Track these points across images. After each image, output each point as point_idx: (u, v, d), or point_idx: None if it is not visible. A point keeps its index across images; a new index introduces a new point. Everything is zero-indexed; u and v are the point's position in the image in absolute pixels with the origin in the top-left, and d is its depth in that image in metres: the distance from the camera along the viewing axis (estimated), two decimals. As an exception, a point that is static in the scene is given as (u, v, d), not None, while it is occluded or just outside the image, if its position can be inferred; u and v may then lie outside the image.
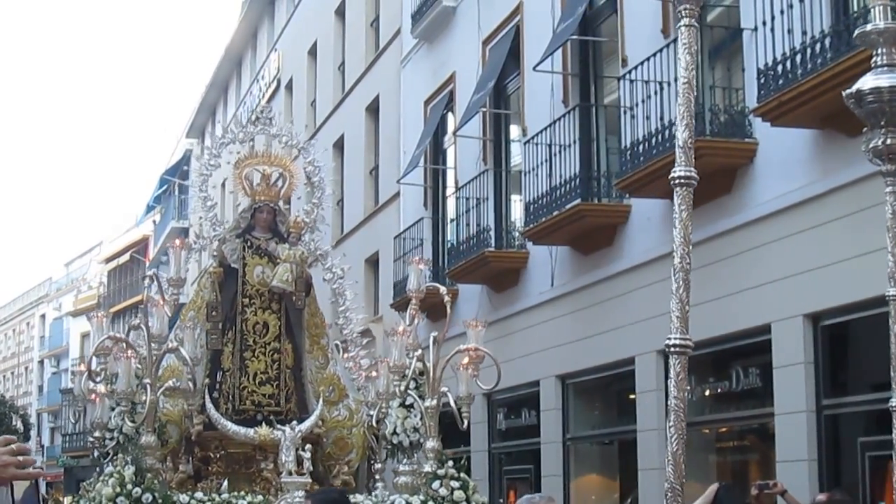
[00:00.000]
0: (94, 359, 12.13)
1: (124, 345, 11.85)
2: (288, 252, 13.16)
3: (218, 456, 12.78)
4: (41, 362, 74.72)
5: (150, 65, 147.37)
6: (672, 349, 4.97)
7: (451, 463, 11.75)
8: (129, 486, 11.20)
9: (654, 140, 13.28)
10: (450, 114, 21.34)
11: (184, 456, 12.85)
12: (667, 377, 14.09)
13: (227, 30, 44.18)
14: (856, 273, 10.73)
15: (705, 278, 13.07)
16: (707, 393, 13.55)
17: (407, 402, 12.40)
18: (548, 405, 17.12)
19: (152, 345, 11.59)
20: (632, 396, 14.82)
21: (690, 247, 5.96)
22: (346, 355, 13.75)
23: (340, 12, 29.26)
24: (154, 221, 55.63)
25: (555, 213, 15.54)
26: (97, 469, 12.84)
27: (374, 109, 26.13)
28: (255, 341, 13.12)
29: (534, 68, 16.17)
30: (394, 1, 24.85)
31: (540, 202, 16.07)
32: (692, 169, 5.77)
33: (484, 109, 18.90)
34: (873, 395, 11.13)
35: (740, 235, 12.54)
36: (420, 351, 12.14)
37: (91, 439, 12.72)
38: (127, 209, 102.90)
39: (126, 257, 59.56)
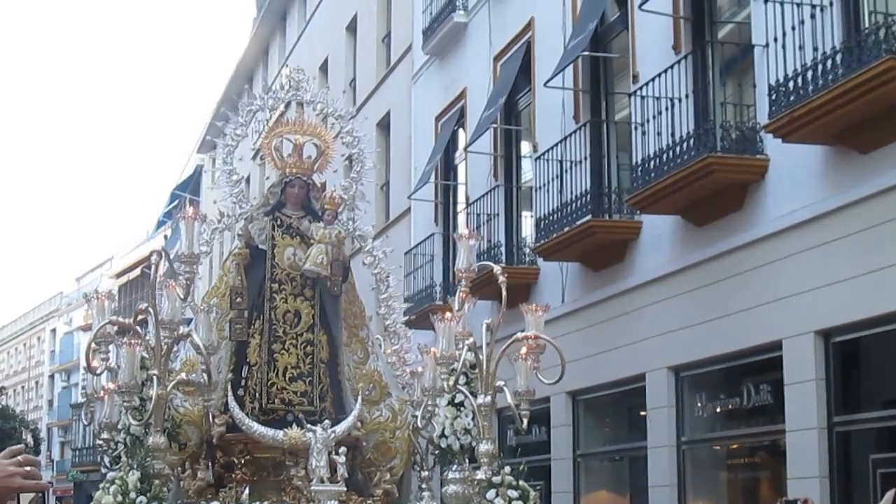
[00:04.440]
0: (94, 347, 10.28)
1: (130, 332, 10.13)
2: (322, 232, 11.66)
3: (243, 461, 11.24)
4: (51, 377, 74.92)
5: (161, 81, 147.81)
6: None
7: (508, 469, 10.11)
8: (133, 495, 9.61)
9: (665, 156, 13.26)
10: (461, 130, 21.34)
11: (204, 461, 11.27)
12: (678, 394, 14.16)
13: (239, 46, 44.26)
14: (867, 290, 10.70)
15: (716, 294, 13.05)
16: (718, 409, 13.50)
17: (457, 400, 10.80)
18: (558, 421, 17.08)
19: (162, 332, 9.92)
20: (643, 413, 14.78)
21: None
22: (388, 349, 12.25)
23: (352, 28, 29.32)
24: (165, 236, 55.63)
25: (566, 229, 15.52)
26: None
27: (385, 125, 26.15)
28: (285, 332, 11.60)
29: (545, 84, 16.16)
30: (405, 17, 24.90)
31: (551, 218, 16.05)
32: None
33: (495, 125, 18.90)
34: (885, 412, 11.09)
35: (752, 252, 12.51)
36: (471, 339, 10.33)
37: (99, 442, 10.97)
38: (138, 224, 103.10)
39: (137, 272, 59.59)
